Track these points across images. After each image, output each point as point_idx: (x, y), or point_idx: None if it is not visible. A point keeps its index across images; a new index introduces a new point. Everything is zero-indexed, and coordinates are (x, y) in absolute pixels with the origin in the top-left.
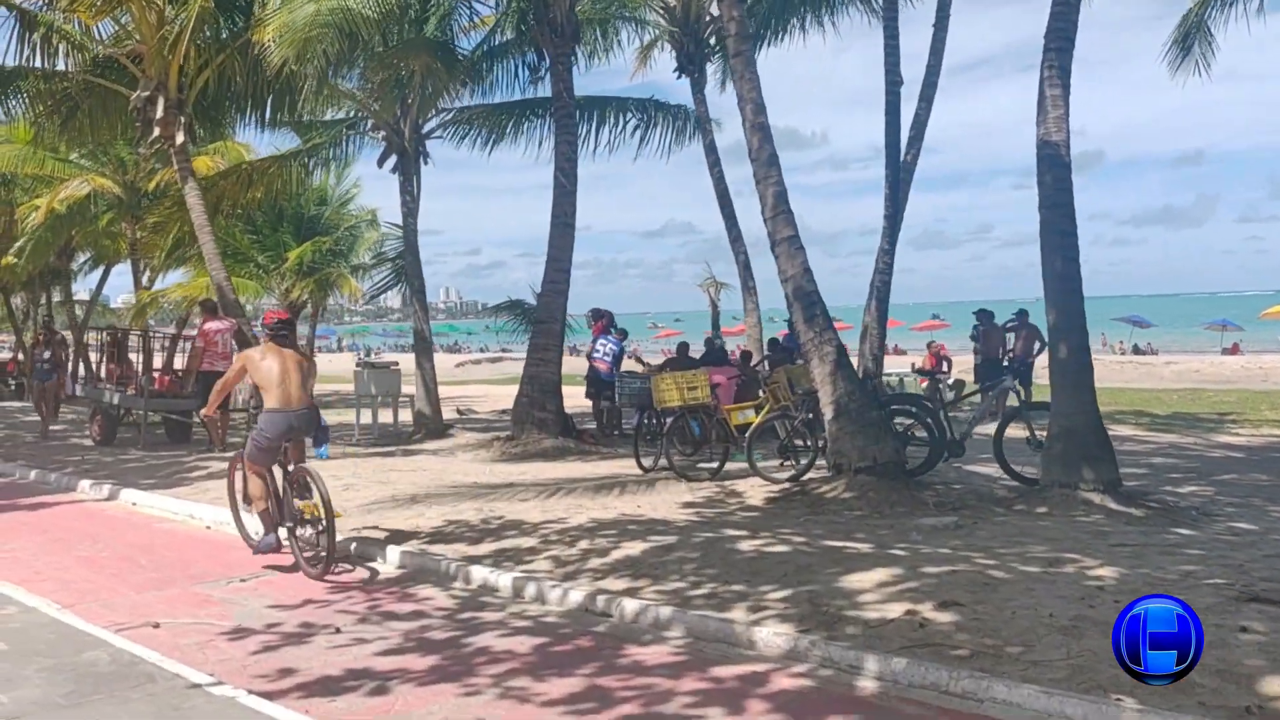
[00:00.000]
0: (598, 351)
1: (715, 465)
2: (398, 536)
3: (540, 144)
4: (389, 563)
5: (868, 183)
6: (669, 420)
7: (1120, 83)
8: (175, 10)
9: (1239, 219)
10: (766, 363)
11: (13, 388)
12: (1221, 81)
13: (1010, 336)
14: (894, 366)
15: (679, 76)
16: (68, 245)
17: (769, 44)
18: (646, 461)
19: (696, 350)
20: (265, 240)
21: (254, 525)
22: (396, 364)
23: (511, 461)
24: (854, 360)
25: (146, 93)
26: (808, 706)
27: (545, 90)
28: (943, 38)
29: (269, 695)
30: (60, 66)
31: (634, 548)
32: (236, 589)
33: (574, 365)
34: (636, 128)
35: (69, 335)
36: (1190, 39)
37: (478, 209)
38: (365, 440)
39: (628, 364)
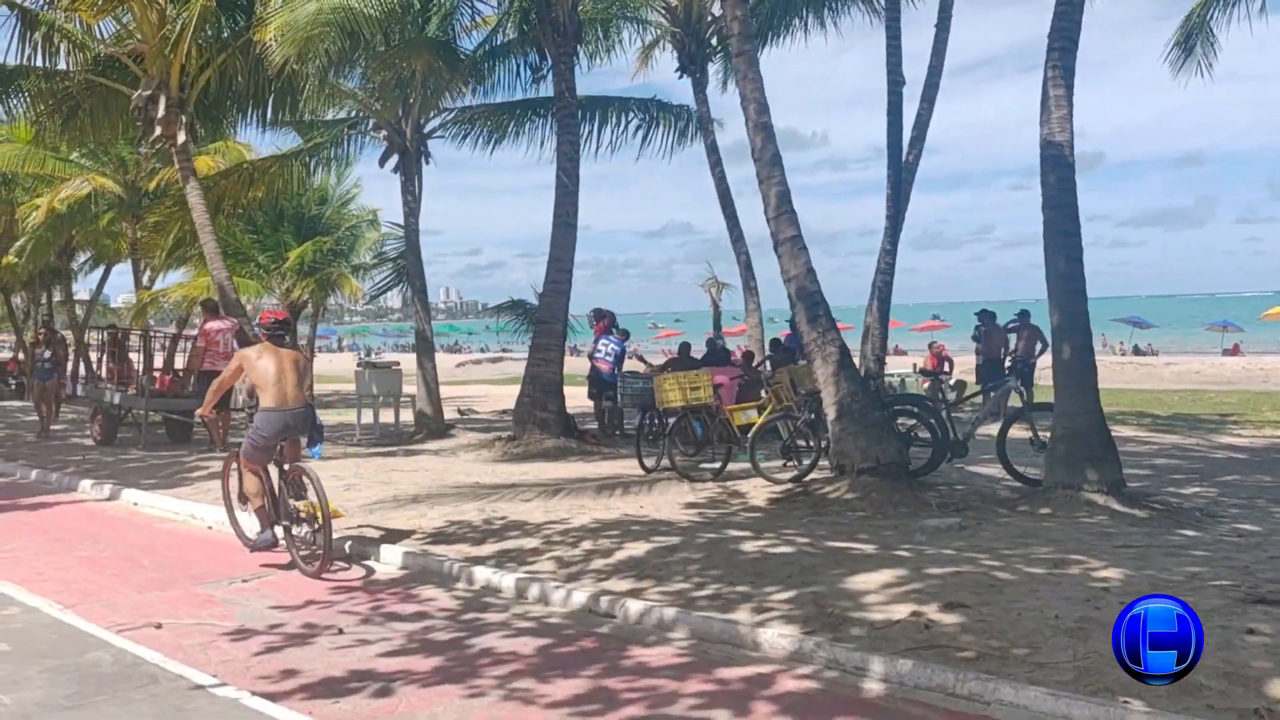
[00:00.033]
0: (599, 352)
1: (718, 466)
2: (400, 537)
3: (542, 144)
4: (391, 563)
5: (868, 183)
6: (671, 420)
7: (1120, 83)
8: (177, 9)
9: (1239, 220)
10: (769, 363)
11: (13, 387)
12: (1223, 82)
13: (1012, 337)
14: (896, 367)
15: (680, 76)
16: (68, 245)
17: (770, 44)
18: (649, 462)
19: (698, 350)
20: (266, 240)
21: (249, 524)
22: (398, 364)
23: (513, 462)
24: (855, 361)
25: (148, 92)
26: (813, 708)
27: (547, 90)
28: (945, 38)
29: (272, 696)
30: (61, 66)
31: (637, 548)
32: (238, 589)
33: (575, 365)
34: (638, 128)
35: (69, 335)
36: (1192, 39)
37: (478, 209)
38: (366, 440)
39: (629, 364)
